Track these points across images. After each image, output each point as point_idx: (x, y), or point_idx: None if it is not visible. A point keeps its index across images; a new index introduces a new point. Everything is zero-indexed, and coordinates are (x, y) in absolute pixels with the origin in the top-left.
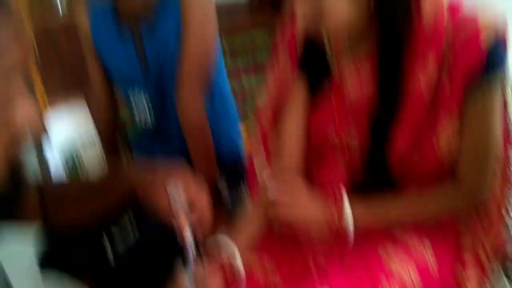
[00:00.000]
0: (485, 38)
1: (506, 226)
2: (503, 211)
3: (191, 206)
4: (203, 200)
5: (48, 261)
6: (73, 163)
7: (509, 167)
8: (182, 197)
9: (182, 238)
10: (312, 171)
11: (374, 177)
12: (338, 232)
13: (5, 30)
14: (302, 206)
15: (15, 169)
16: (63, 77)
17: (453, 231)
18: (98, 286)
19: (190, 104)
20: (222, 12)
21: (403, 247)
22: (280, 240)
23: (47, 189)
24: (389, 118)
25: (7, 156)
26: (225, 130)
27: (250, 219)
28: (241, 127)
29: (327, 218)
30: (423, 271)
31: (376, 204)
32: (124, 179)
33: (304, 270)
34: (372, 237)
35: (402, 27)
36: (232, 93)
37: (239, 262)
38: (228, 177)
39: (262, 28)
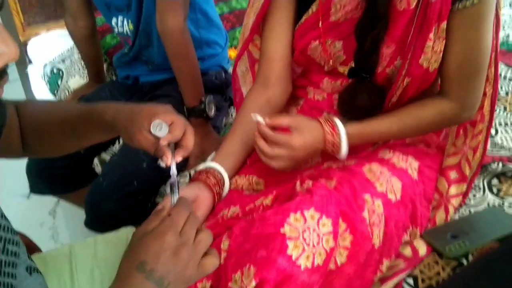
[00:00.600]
0: None
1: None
2: (487, 123)
3: (177, 143)
4: (189, 139)
5: (39, 185)
6: (58, 89)
7: (496, 82)
8: (167, 135)
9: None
10: (299, 91)
11: (361, 95)
12: (333, 149)
13: None
14: (300, 149)
15: None
16: (42, 3)
17: (439, 150)
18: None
19: (172, 25)
20: None
21: (389, 166)
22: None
23: (26, 119)
24: (377, 33)
25: None
26: (211, 54)
27: (237, 140)
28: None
29: (324, 142)
30: (407, 188)
31: (369, 118)
32: (104, 114)
33: (290, 190)
34: (359, 159)
35: None
36: (221, 18)
37: (226, 185)
38: (216, 99)
39: None
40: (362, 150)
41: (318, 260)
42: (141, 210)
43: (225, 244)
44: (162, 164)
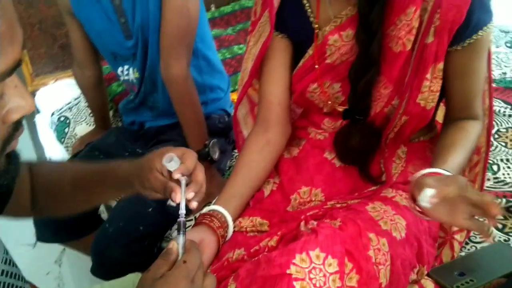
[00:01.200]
0: None
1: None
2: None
3: (188, 178)
4: (200, 173)
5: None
6: (65, 137)
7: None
8: (179, 168)
9: (177, 208)
10: (300, 132)
11: (354, 136)
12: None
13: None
14: None
15: (11, 162)
16: (50, 54)
17: None
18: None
19: (176, 72)
20: None
21: (392, 205)
22: (272, 202)
23: (38, 179)
24: (370, 77)
25: (3, 150)
26: (214, 98)
27: (239, 182)
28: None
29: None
30: (412, 226)
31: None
32: (118, 169)
33: (294, 230)
34: (362, 198)
35: None
36: (223, 63)
37: (230, 228)
38: (219, 142)
39: None
40: (365, 189)
41: None
42: (147, 256)
43: (231, 287)
44: (172, 203)
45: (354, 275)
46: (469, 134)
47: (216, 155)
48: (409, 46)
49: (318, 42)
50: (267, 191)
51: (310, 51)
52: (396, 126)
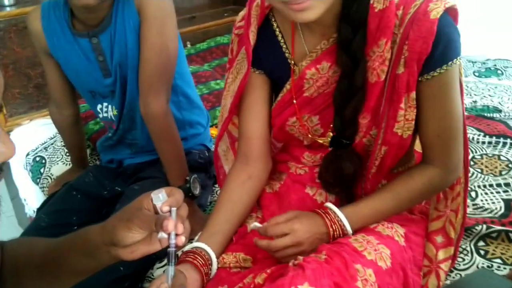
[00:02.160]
0: (436, 21)
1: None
2: (463, 184)
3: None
4: (184, 210)
5: None
6: (40, 177)
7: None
8: (167, 201)
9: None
10: (281, 166)
11: (346, 163)
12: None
13: None
14: (302, 230)
15: None
16: (24, 94)
17: (423, 216)
18: None
19: (155, 109)
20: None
21: (375, 235)
22: (254, 237)
23: (9, 258)
24: (356, 103)
25: None
26: (194, 133)
27: (222, 218)
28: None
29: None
30: (396, 255)
31: (366, 204)
32: (89, 231)
33: (282, 268)
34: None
35: (359, 13)
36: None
37: (214, 265)
38: (200, 177)
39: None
40: None
41: None
42: None
43: None
44: (164, 235)
45: None
46: (412, 183)
47: (197, 191)
48: (383, 77)
49: (295, 77)
50: (250, 226)
51: (287, 86)
52: (377, 158)
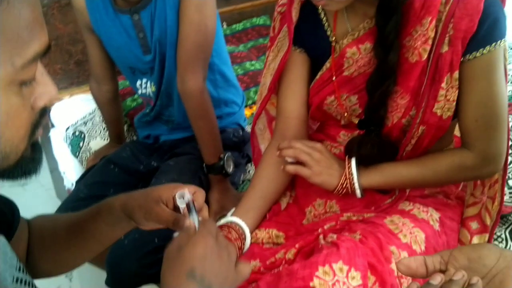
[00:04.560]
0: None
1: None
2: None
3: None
4: (205, 212)
5: None
6: (79, 151)
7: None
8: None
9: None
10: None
11: (377, 147)
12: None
13: (33, 13)
14: (322, 172)
15: (36, 151)
16: (65, 70)
17: (459, 201)
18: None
19: (192, 86)
20: None
21: (411, 218)
22: (288, 215)
23: (34, 232)
24: (385, 88)
25: (31, 135)
26: (229, 112)
27: (257, 195)
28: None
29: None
30: (431, 239)
31: (389, 164)
32: (113, 203)
33: (312, 243)
34: (379, 212)
35: None
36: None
37: (248, 240)
38: (233, 156)
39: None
40: (381, 202)
41: None
42: (161, 268)
43: None
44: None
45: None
46: (441, 157)
47: (230, 169)
48: (425, 56)
49: (335, 55)
50: (283, 204)
51: (327, 64)
52: (414, 137)
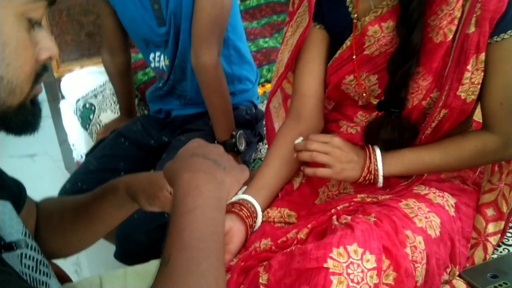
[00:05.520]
0: None
1: None
2: None
3: None
4: None
5: None
6: (89, 123)
7: None
8: None
9: None
10: (331, 125)
11: (397, 130)
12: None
13: None
14: (344, 168)
15: (35, 106)
16: (77, 41)
17: (475, 187)
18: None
19: (206, 61)
20: None
21: (426, 202)
22: (300, 195)
23: (44, 213)
24: (408, 68)
25: (33, 86)
26: (242, 89)
27: (270, 174)
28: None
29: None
30: (446, 225)
31: (411, 150)
32: (117, 185)
33: (324, 224)
34: (394, 194)
35: None
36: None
37: (259, 218)
38: (246, 134)
39: None
40: (396, 184)
41: None
42: None
43: (263, 278)
44: None
45: (391, 272)
46: (464, 141)
47: (242, 147)
48: (450, 36)
49: (356, 33)
50: (296, 183)
51: (348, 42)
52: (435, 120)
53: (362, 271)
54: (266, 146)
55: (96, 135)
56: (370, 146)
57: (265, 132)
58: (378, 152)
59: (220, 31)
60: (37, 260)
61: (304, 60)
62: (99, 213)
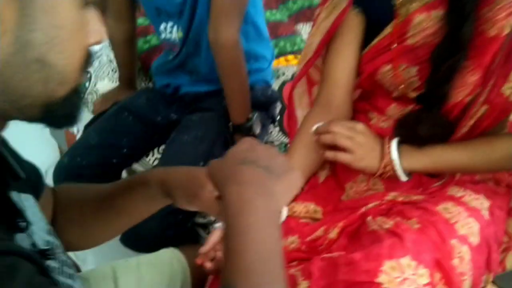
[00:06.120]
0: None
1: None
2: None
3: None
4: None
5: None
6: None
7: None
8: None
9: None
10: (358, 116)
11: (424, 124)
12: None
13: None
14: (365, 156)
15: (78, 93)
16: None
17: (508, 190)
18: None
19: (225, 37)
20: None
21: (463, 206)
22: (326, 189)
23: (63, 201)
24: (456, 61)
25: (83, 67)
26: (257, 68)
27: (296, 165)
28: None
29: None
30: (484, 231)
31: (434, 147)
32: (150, 178)
33: (356, 223)
34: (427, 195)
35: None
36: None
37: (284, 212)
38: (261, 115)
39: None
40: (429, 185)
41: None
42: (180, 230)
43: (303, 285)
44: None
45: (442, 286)
46: (495, 140)
47: (258, 130)
48: (507, 30)
49: (399, 20)
50: (321, 177)
51: (388, 29)
52: (473, 117)
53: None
54: (277, 129)
55: (93, 105)
56: (389, 137)
57: (278, 116)
58: (394, 144)
59: (243, 5)
60: (62, 261)
61: (338, 46)
62: (126, 207)
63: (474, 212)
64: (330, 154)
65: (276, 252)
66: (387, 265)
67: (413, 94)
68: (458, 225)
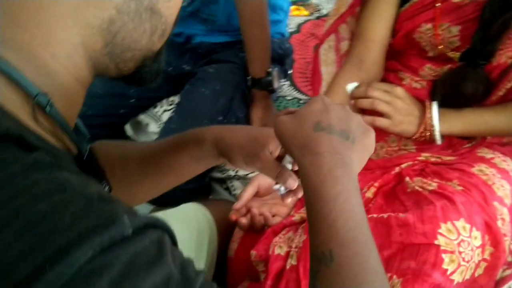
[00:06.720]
0: None
1: None
2: None
3: None
4: None
5: None
6: None
7: None
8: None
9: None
10: (389, 75)
11: (469, 82)
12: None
13: None
14: (403, 120)
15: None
16: None
17: None
18: None
19: None
20: None
21: (496, 168)
22: None
23: (102, 157)
24: (500, 22)
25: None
26: (275, 20)
27: None
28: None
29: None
30: None
31: (471, 110)
32: (204, 136)
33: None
34: (458, 156)
35: None
36: None
37: None
38: (279, 71)
39: None
40: (459, 146)
41: (468, 275)
42: (199, 184)
43: None
44: (282, 189)
45: (489, 247)
46: None
47: (276, 84)
48: None
49: None
50: None
51: None
52: (511, 80)
53: (472, 249)
54: (288, 83)
55: None
56: (429, 101)
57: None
58: (435, 108)
59: None
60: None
61: (375, 1)
62: (174, 165)
63: (504, 173)
64: (368, 119)
65: (366, 223)
66: (443, 227)
67: (452, 54)
68: (494, 187)
